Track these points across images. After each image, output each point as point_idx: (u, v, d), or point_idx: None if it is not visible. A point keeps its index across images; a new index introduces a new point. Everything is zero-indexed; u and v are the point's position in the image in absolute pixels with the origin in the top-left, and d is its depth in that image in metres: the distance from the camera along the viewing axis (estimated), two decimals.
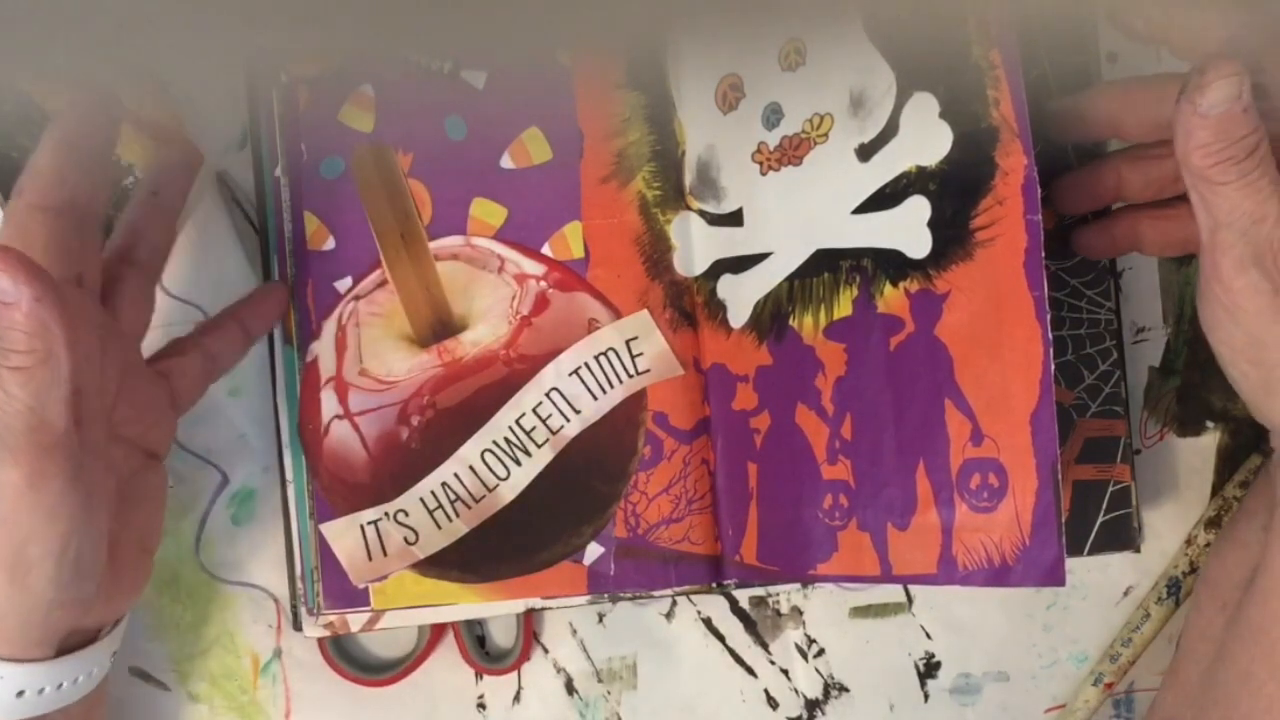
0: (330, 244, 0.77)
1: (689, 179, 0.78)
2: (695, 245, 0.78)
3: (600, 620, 0.85)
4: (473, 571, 0.77)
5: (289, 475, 0.79)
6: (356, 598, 0.78)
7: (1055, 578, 0.66)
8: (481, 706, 0.84)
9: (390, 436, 0.77)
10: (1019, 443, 0.67)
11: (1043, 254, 0.65)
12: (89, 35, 0.54)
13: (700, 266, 0.78)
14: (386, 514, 0.77)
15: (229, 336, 0.76)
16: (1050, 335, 0.65)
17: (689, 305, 0.78)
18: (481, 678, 0.84)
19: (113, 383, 0.69)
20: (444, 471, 0.76)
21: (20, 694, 0.65)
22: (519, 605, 0.78)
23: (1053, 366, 0.65)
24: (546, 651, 0.85)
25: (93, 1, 0.53)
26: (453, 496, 0.76)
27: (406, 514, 0.76)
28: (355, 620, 0.78)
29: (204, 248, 0.81)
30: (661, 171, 0.78)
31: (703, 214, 0.78)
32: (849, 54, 0.71)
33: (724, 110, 0.76)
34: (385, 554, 0.77)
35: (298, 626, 0.80)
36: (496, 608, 0.78)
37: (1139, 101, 0.69)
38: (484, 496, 0.76)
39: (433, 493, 0.76)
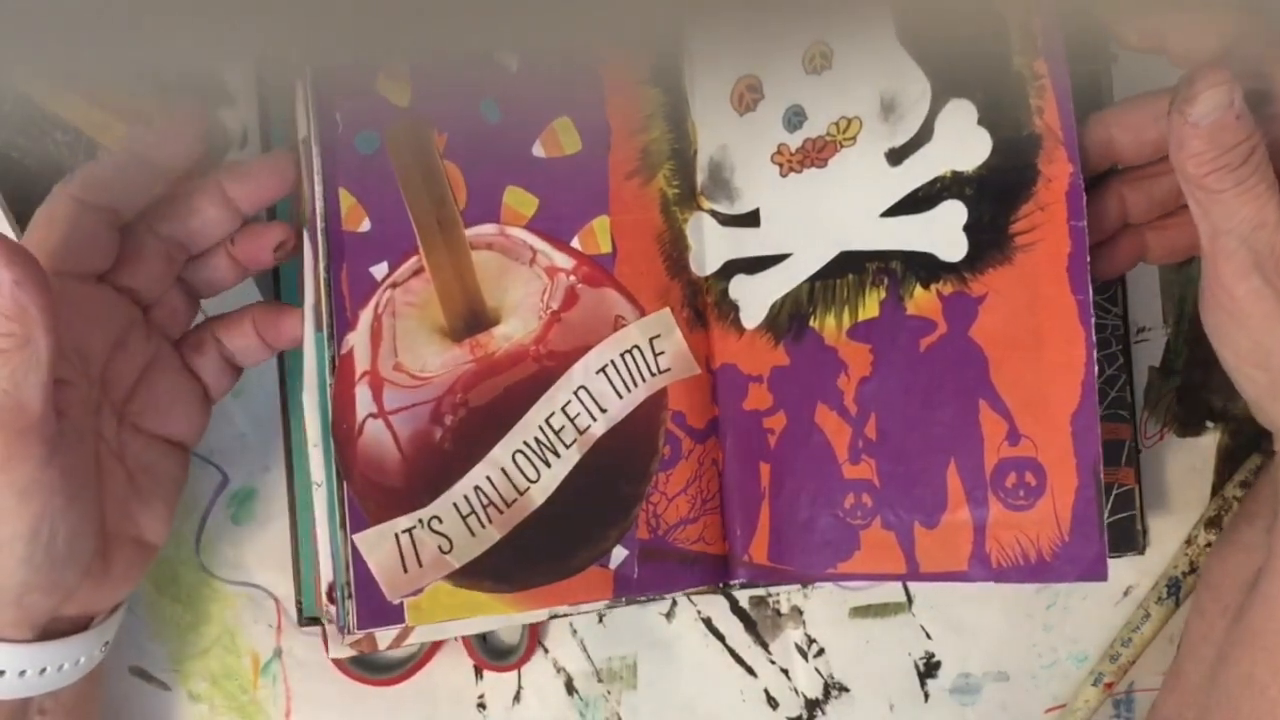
0: (366, 225, 0.72)
1: (701, 179, 0.78)
2: (707, 245, 0.78)
3: (600, 620, 0.85)
4: (506, 580, 0.75)
5: (317, 478, 0.73)
6: (391, 614, 0.73)
7: (1097, 572, 0.67)
8: (481, 706, 0.84)
9: (424, 437, 0.73)
10: (1059, 443, 0.67)
11: (1087, 259, 0.66)
12: (92, 34, 0.54)
13: (712, 266, 0.78)
14: (420, 521, 0.73)
15: (241, 328, 0.74)
16: (1094, 338, 0.66)
17: (701, 305, 0.78)
18: (482, 677, 0.84)
19: (130, 375, 0.70)
20: (476, 474, 0.73)
21: (0, 673, 0.65)
22: (544, 613, 0.76)
23: (1096, 369, 0.66)
24: (546, 651, 0.85)
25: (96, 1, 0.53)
26: (485, 501, 0.73)
27: (440, 521, 0.73)
28: (384, 637, 0.75)
29: None
30: (679, 170, 0.77)
31: (714, 214, 0.77)
32: (879, 59, 0.71)
33: (740, 111, 0.76)
34: (420, 565, 0.73)
35: (305, 621, 0.80)
36: (525, 617, 0.76)
37: (1132, 124, 0.69)
38: (515, 500, 0.74)
39: (465, 497, 0.73)
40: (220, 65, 0.78)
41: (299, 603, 0.80)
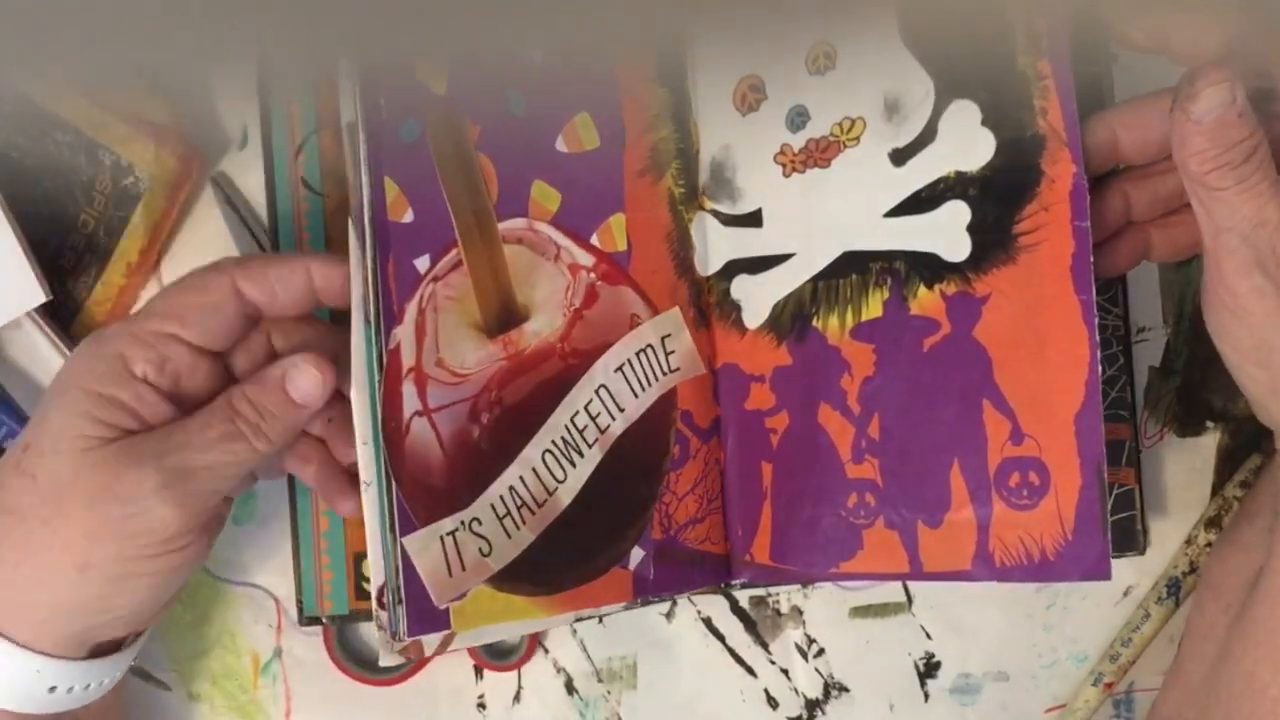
0: (409, 217, 0.70)
1: (703, 179, 0.78)
2: (710, 245, 0.78)
3: (600, 620, 0.85)
4: (542, 583, 0.74)
5: (366, 477, 0.69)
6: (438, 619, 0.71)
7: (1100, 572, 0.67)
8: (481, 706, 0.84)
9: (463, 435, 0.71)
10: (1062, 442, 0.68)
11: (1090, 259, 0.66)
12: (94, 34, 0.54)
13: (714, 266, 0.78)
14: (463, 523, 0.71)
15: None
16: (1098, 338, 0.66)
17: (704, 305, 0.78)
18: (482, 676, 0.84)
19: None
20: (511, 474, 0.72)
21: (52, 689, 0.67)
22: (570, 617, 0.75)
23: (1100, 368, 0.66)
24: (546, 651, 0.85)
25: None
26: (519, 502, 0.72)
27: (480, 522, 0.71)
28: (429, 644, 0.71)
29: (199, 253, 0.81)
30: (684, 170, 0.78)
31: (716, 214, 0.78)
32: (883, 60, 0.71)
33: (743, 111, 0.76)
34: (464, 569, 0.71)
35: (305, 621, 0.81)
36: (554, 620, 0.75)
37: (1136, 123, 0.69)
38: (545, 501, 0.73)
39: (501, 498, 0.72)
40: (220, 65, 0.78)
41: (299, 603, 0.80)
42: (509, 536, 0.72)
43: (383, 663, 0.71)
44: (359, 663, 0.82)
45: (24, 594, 0.65)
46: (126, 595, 0.66)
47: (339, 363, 0.71)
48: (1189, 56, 0.65)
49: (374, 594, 0.70)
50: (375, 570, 0.70)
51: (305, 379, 0.67)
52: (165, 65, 0.73)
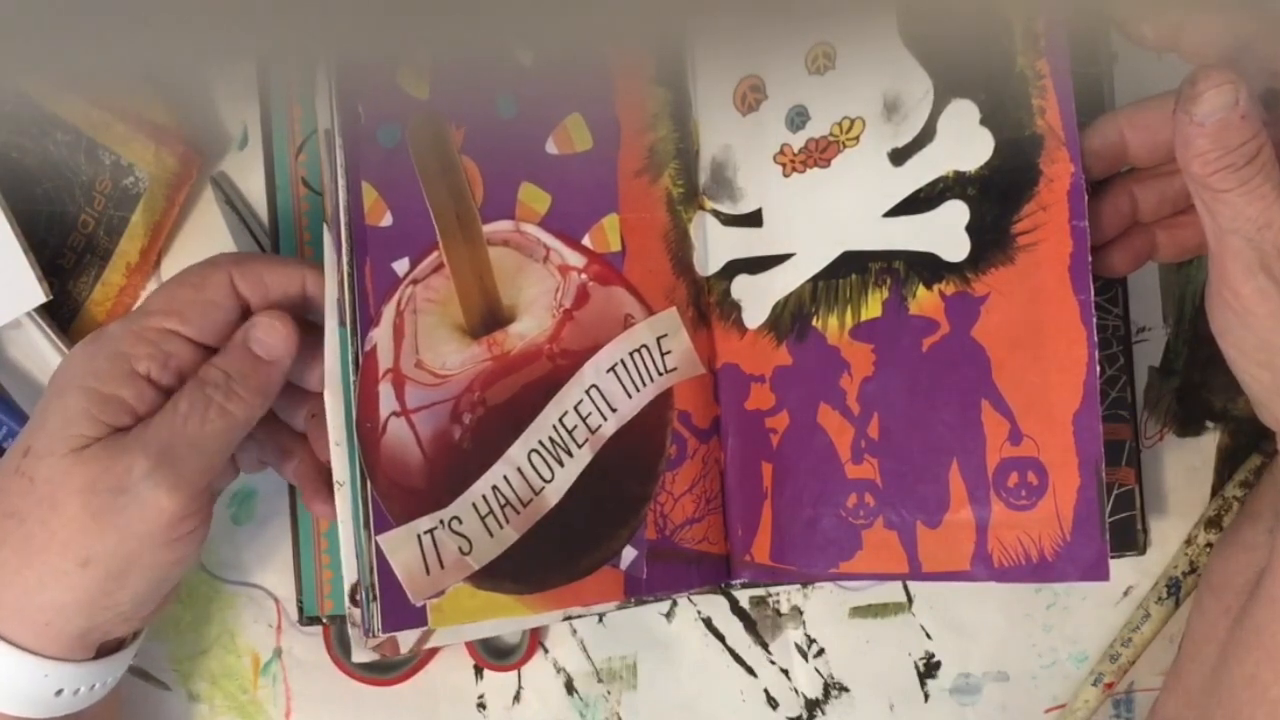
0: (388, 220, 0.71)
1: (703, 179, 0.78)
2: (710, 245, 0.78)
3: (600, 620, 0.85)
4: (524, 581, 0.74)
5: (339, 477, 0.70)
6: (414, 616, 0.71)
7: (1098, 573, 0.67)
8: (481, 706, 0.84)
9: (444, 436, 0.72)
10: (1060, 442, 0.68)
11: (1089, 259, 0.66)
12: (94, 33, 0.54)
13: (714, 266, 0.78)
14: (441, 522, 0.71)
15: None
16: (1096, 338, 0.66)
17: (704, 305, 0.78)
18: (482, 676, 0.84)
19: None
20: (494, 474, 0.72)
21: (59, 692, 0.68)
22: (559, 615, 0.75)
23: (1098, 368, 0.66)
24: (546, 651, 0.85)
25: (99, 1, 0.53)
26: (502, 501, 0.72)
27: (460, 521, 0.72)
28: (405, 640, 0.72)
29: (198, 253, 0.81)
30: (684, 170, 0.78)
31: (716, 214, 0.78)
32: (882, 59, 0.71)
33: (743, 111, 0.76)
34: (442, 566, 0.71)
35: (305, 621, 0.81)
36: (542, 619, 0.75)
37: (1144, 124, 0.68)
38: (531, 500, 0.73)
39: (484, 497, 0.72)
40: (220, 65, 0.78)
41: (299, 603, 0.80)
42: (491, 535, 0.72)
43: (355, 659, 0.71)
44: (359, 663, 0.82)
45: (26, 597, 0.65)
46: (129, 589, 0.66)
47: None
48: (1198, 56, 0.65)
49: (347, 591, 0.70)
50: (348, 568, 0.70)
51: (266, 333, 0.68)
52: (165, 65, 0.73)
